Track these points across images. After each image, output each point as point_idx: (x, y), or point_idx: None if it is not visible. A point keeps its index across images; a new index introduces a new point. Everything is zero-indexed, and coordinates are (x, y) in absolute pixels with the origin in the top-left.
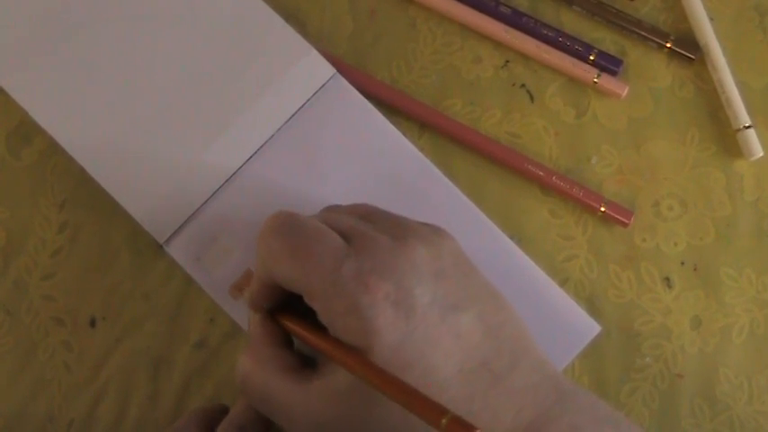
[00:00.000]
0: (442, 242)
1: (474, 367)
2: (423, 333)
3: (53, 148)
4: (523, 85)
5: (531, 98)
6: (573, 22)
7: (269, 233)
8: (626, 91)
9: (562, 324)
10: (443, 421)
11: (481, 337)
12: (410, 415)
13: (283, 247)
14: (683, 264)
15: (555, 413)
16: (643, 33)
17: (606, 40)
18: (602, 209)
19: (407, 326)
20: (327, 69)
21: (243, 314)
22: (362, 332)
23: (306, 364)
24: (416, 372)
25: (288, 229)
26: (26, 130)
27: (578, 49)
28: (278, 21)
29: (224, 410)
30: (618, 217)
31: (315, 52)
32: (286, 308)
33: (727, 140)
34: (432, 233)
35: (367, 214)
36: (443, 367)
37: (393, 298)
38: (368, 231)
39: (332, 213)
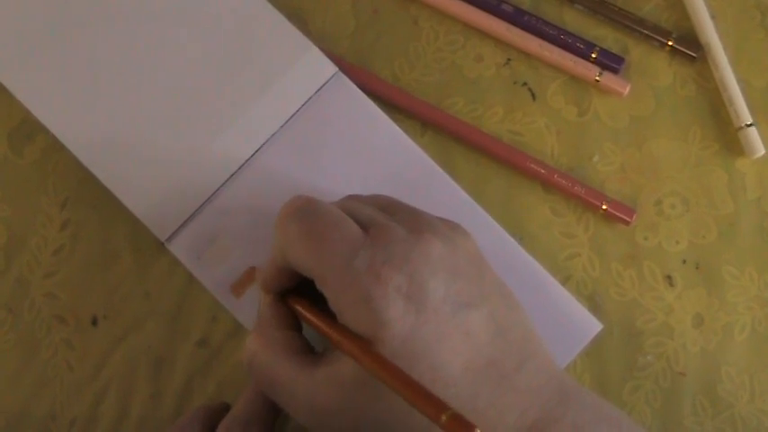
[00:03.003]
0: (459, 239)
1: (481, 366)
2: (432, 328)
3: (55, 146)
4: (525, 84)
5: (533, 96)
6: (575, 21)
7: (287, 216)
8: (628, 89)
9: (564, 322)
10: (443, 417)
11: (491, 337)
12: (412, 411)
13: (300, 230)
14: (684, 262)
15: (558, 414)
16: (645, 31)
17: (608, 38)
18: (604, 207)
19: (417, 320)
20: (329, 67)
21: (245, 312)
22: (371, 323)
23: (313, 350)
24: (423, 366)
25: (306, 213)
26: (28, 128)
27: (580, 48)
28: (280, 19)
29: (226, 409)
30: (620, 215)
31: (317, 50)
32: (298, 292)
33: (728, 139)
34: (449, 229)
35: (387, 206)
36: (451, 364)
37: (405, 291)
38: (386, 222)
39: (352, 202)
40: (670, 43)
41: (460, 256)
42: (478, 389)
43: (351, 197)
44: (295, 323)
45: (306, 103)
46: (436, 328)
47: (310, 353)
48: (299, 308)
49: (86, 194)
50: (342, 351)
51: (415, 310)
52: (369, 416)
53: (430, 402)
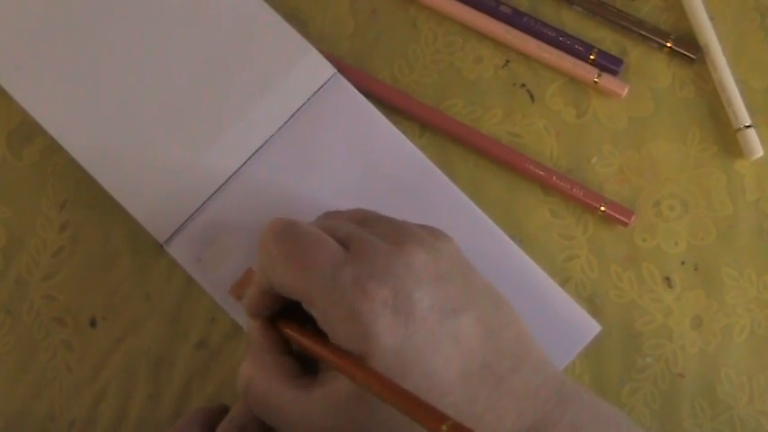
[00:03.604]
0: (441, 245)
1: (475, 370)
2: (422, 337)
3: (54, 148)
4: (524, 85)
5: (532, 98)
6: (573, 22)
7: (268, 240)
8: (626, 91)
9: (563, 324)
10: (444, 428)
11: (481, 340)
12: (411, 424)
13: (281, 253)
14: (683, 263)
15: (557, 415)
16: (643, 33)
17: (607, 39)
18: (603, 209)
19: (406, 331)
20: (328, 69)
21: (244, 314)
22: (361, 338)
23: (307, 371)
24: (416, 376)
25: (286, 235)
26: (27, 130)
27: (579, 49)
28: (278, 20)
29: (225, 410)
30: (618, 217)
31: (315, 52)
32: (286, 314)
33: (727, 140)
34: (430, 236)
35: (365, 219)
36: (444, 371)
37: (391, 303)
38: (366, 237)
39: (330, 220)
40: (669, 45)
41: (444, 263)
42: (475, 393)
43: (328, 214)
44: (286, 346)
45: (304, 104)
46: (426, 337)
47: (304, 375)
48: (288, 331)
49: (85, 196)
50: (335, 369)
51: (404, 321)
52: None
53: (429, 414)
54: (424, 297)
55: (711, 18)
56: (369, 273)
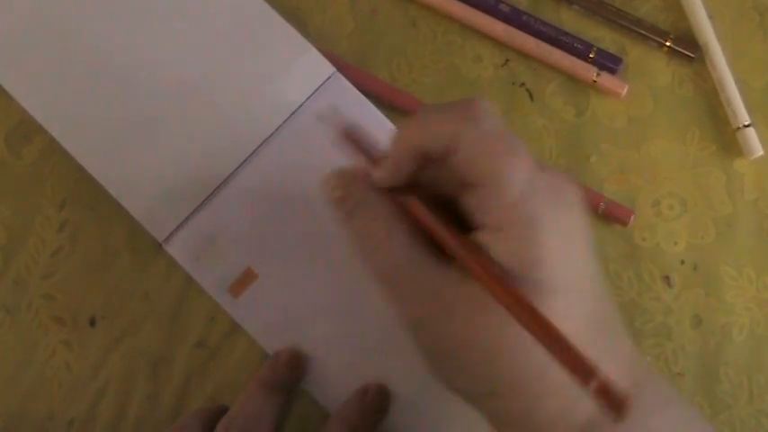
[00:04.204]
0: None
1: (595, 320)
2: (574, 274)
3: (53, 147)
4: (523, 84)
5: (531, 97)
6: (572, 21)
7: (467, 107)
8: (625, 89)
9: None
10: (592, 384)
11: (600, 293)
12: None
13: (494, 127)
14: (683, 263)
15: (646, 382)
16: (643, 32)
17: (606, 38)
18: (603, 207)
19: (567, 261)
20: (327, 68)
21: (243, 313)
22: (531, 259)
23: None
24: (551, 310)
25: (493, 116)
26: (26, 129)
27: (578, 48)
28: (278, 20)
29: (224, 411)
30: (618, 216)
31: (315, 51)
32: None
33: (726, 139)
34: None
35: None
36: (576, 313)
37: (566, 232)
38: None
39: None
40: (668, 44)
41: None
42: (591, 343)
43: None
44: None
45: (304, 103)
46: (578, 274)
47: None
48: (421, 212)
49: (84, 195)
50: (477, 281)
51: (570, 253)
52: (490, 342)
53: (579, 365)
54: (586, 235)
55: (710, 17)
56: (560, 191)
